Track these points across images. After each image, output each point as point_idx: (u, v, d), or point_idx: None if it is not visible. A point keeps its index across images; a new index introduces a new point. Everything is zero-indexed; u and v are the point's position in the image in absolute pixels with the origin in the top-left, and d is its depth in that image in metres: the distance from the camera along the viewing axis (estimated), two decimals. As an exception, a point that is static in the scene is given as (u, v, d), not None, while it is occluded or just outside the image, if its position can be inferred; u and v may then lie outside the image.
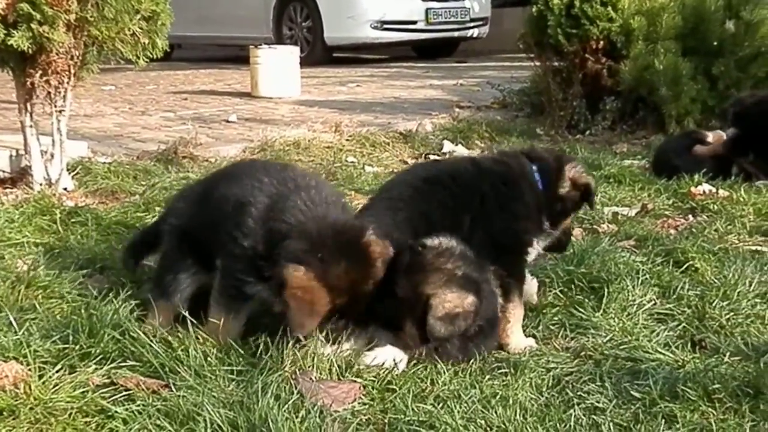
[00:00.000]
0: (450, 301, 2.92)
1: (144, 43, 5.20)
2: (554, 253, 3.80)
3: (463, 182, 3.40)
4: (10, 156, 5.49)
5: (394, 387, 2.78)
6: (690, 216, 4.94)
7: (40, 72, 5.01)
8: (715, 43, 7.37)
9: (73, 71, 5.11)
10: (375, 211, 3.40)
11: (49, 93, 5.12)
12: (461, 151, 6.92)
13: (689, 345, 3.15)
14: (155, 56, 5.32)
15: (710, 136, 6.08)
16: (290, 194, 3.04)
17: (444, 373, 2.87)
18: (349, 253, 2.88)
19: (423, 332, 2.92)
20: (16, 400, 2.59)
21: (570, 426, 2.56)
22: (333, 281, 2.83)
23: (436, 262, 3.00)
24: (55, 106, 5.16)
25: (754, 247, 4.25)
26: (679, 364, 2.95)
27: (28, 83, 5.05)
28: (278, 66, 10.30)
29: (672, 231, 4.64)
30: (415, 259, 3.00)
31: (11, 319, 3.08)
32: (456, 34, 15.62)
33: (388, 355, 2.92)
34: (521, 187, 3.41)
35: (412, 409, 2.63)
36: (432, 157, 6.70)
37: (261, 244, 2.96)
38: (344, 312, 2.89)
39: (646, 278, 3.68)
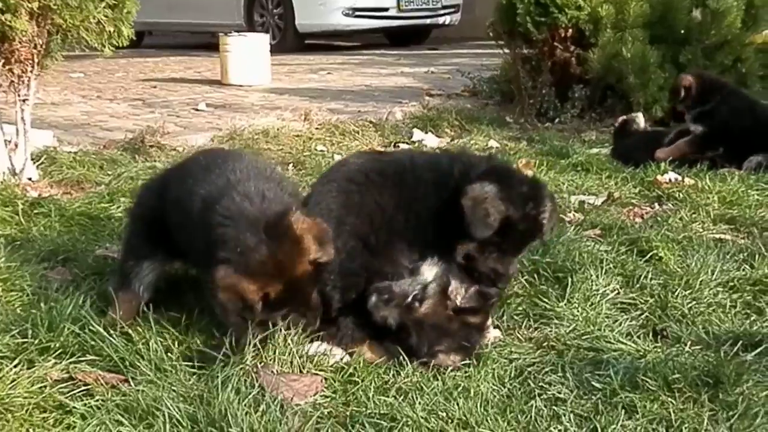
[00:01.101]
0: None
1: (109, 31, 5.14)
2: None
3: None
4: (-26, 146, 5.40)
5: (357, 379, 2.77)
6: (656, 204, 4.97)
7: (3, 61, 4.96)
8: (683, 32, 7.42)
9: (36, 60, 5.05)
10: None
11: (12, 82, 5.06)
12: (431, 139, 6.91)
13: (651, 334, 3.17)
14: (121, 44, 5.26)
15: (640, 117, 6.16)
16: (219, 199, 2.92)
17: (407, 365, 2.86)
18: (270, 237, 2.77)
19: None
20: (-28, 397, 2.56)
21: (531, 417, 2.56)
22: (257, 270, 2.74)
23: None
24: (19, 95, 5.09)
25: (717, 236, 4.27)
26: (641, 354, 2.96)
27: (-9, 72, 4.98)
28: (248, 54, 10.22)
29: (638, 220, 4.66)
30: None
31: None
32: (428, 21, 15.62)
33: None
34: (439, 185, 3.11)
35: (374, 402, 2.63)
36: (402, 145, 6.68)
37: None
38: (288, 298, 2.81)
39: (610, 267, 3.69)
